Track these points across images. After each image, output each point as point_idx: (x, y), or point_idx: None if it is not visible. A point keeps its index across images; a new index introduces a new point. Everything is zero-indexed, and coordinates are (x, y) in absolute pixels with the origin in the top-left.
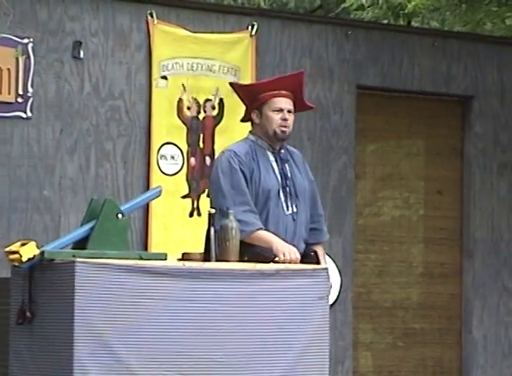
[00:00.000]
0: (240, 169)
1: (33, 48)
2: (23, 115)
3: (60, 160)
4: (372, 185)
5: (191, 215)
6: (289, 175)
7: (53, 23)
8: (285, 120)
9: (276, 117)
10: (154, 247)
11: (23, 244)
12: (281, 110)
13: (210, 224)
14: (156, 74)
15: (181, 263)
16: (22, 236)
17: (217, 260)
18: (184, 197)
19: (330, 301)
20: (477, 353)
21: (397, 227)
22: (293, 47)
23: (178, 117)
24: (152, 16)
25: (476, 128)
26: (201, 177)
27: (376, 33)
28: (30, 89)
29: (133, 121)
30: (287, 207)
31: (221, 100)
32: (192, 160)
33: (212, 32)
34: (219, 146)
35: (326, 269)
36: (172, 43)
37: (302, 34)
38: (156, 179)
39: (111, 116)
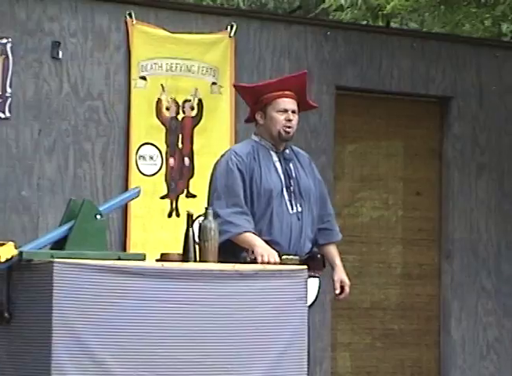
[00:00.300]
0: (238, 170)
1: (11, 48)
2: (2, 115)
3: (39, 160)
4: (350, 186)
5: (170, 215)
6: (293, 174)
7: (32, 23)
8: (289, 120)
9: (281, 118)
10: (133, 247)
11: (1, 245)
12: (285, 111)
13: (188, 225)
14: (135, 74)
15: (159, 264)
16: (0, 236)
17: (195, 260)
18: (163, 197)
19: (309, 302)
20: (455, 354)
21: (375, 228)
22: (272, 47)
23: (157, 117)
24: (131, 17)
25: (454, 130)
26: (180, 177)
27: (355, 34)
28: (8, 89)
29: (112, 122)
30: (292, 206)
31: (200, 101)
32: (171, 160)
33: (191, 33)
34: (198, 146)
35: (305, 269)
36: (151, 43)
37: (281, 34)
38: (135, 180)
39: (90, 116)
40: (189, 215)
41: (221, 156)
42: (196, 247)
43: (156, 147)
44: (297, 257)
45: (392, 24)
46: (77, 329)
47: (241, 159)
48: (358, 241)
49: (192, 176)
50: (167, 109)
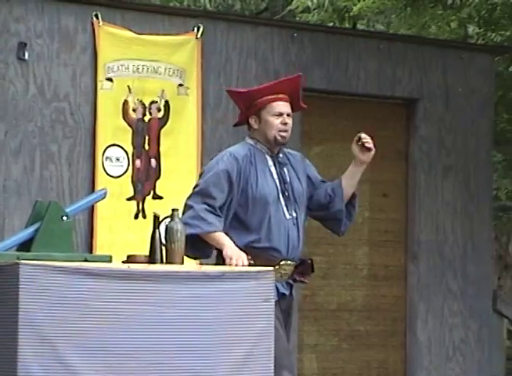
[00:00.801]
0: (227, 172)
1: None
2: None
3: (5, 162)
4: None
5: (136, 217)
6: (287, 179)
7: None
8: (285, 124)
9: (276, 122)
10: (99, 249)
11: None
12: (280, 115)
13: (155, 226)
14: (101, 75)
15: (126, 265)
16: None
17: (162, 262)
18: (129, 199)
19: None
20: (421, 355)
21: None
22: (238, 49)
23: (124, 119)
24: (97, 18)
25: (421, 131)
26: (146, 179)
27: (322, 35)
28: None
29: (78, 123)
30: (288, 211)
31: (166, 102)
32: (138, 162)
33: (158, 34)
34: (165, 148)
35: (272, 271)
36: (118, 45)
37: (248, 36)
38: (102, 181)
39: (56, 118)
40: (156, 217)
41: (218, 154)
42: (163, 248)
43: (123, 149)
44: (293, 262)
45: (359, 26)
46: (44, 330)
47: (235, 162)
48: (324, 243)
49: (158, 178)
50: (134, 110)
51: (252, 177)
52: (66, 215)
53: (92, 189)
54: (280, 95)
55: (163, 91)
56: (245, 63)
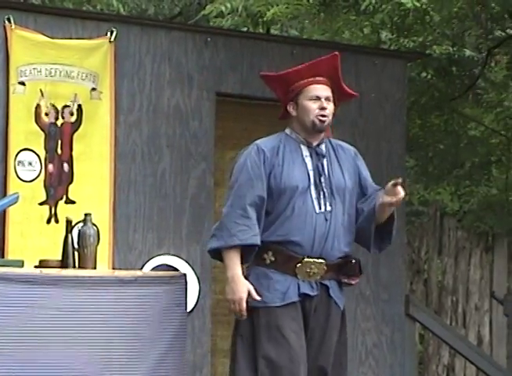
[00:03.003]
0: (256, 165)
1: None
2: None
3: None
4: None
5: (48, 221)
6: (325, 171)
7: None
8: (323, 109)
9: (314, 107)
10: (11, 253)
11: None
12: (318, 98)
13: (67, 231)
14: (13, 79)
15: (38, 270)
16: None
17: (74, 267)
18: (41, 203)
19: (188, 308)
20: None
21: None
22: (152, 53)
23: (36, 123)
24: (9, 21)
25: (334, 136)
26: (59, 183)
27: (236, 40)
28: None
29: None
30: (319, 205)
31: (79, 106)
32: (50, 166)
33: (71, 38)
34: (77, 152)
35: (185, 275)
36: (30, 48)
37: (161, 40)
38: (14, 186)
39: None
40: (68, 222)
41: (246, 148)
42: (75, 253)
43: (35, 153)
44: (321, 260)
45: (272, 31)
46: None
47: (262, 154)
48: None
49: (71, 182)
50: (47, 114)
51: (277, 168)
52: None
53: (4, 194)
54: (318, 78)
55: (76, 95)
56: (158, 68)
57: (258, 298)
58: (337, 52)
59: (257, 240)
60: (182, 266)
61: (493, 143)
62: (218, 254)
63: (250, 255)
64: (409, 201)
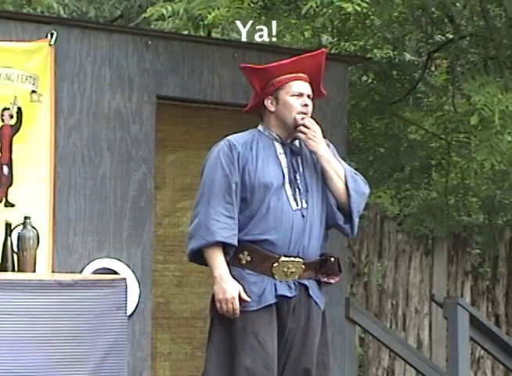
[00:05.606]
0: (229, 161)
1: None
2: None
3: None
4: (171, 195)
5: None
6: (300, 168)
7: None
8: (305, 106)
9: (296, 103)
10: None
11: None
12: (301, 95)
13: (7, 234)
14: None
15: None
16: None
17: (14, 270)
18: None
19: (129, 312)
20: None
21: None
22: (92, 56)
23: None
24: None
25: None
26: None
27: (177, 43)
28: None
29: None
30: (296, 201)
31: (19, 109)
32: None
33: (10, 40)
34: (17, 155)
35: (125, 278)
36: None
37: (102, 43)
38: None
39: None
40: (8, 225)
41: (216, 144)
42: (15, 256)
43: None
44: (298, 259)
45: (213, 34)
46: None
47: (235, 149)
48: (179, 250)
49: (10, 185)
50: None
51: (250, 164)
52: None
53: None
54: (301, 74)
55: (15, 97)
56: (99, 71)
57: (248, 299)
58: (324, 49)
59: (236, 241)
60: (123, 270)
61: (433, 147)
62: (198, 256)
63: (228, 256)
64: None
